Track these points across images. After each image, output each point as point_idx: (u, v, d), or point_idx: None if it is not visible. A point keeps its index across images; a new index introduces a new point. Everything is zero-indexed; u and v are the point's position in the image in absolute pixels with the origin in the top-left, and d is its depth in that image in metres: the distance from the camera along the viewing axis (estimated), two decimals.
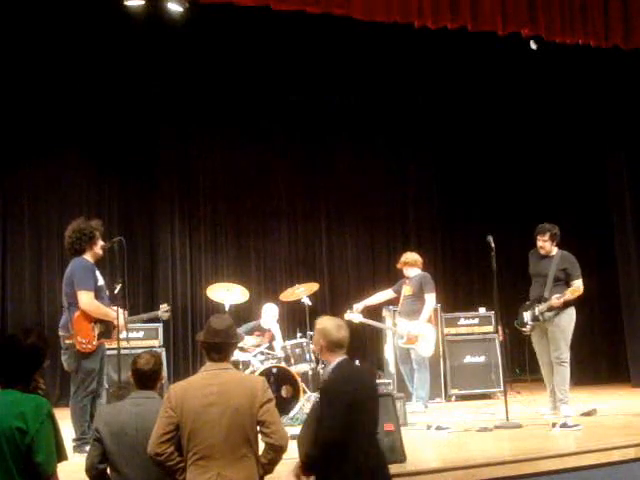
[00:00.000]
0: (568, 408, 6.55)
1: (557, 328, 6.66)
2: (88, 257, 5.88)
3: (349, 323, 7.95)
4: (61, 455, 2.95)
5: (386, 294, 8.13)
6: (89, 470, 3.79)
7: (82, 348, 5.61)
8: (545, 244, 6.85)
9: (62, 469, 2.97)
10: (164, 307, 6.78)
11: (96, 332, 5.70)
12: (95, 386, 5.67)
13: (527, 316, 6.82)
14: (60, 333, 5.76)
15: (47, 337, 3.17)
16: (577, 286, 6.75)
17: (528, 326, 6.80)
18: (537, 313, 6.67)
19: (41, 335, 3.09)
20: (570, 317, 6.74)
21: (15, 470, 2.79)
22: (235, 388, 3.54)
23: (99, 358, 5.75)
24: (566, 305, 6.68)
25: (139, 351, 4.43)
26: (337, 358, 3.89)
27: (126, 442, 3.70)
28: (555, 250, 6.87)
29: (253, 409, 3.48)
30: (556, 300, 6.60)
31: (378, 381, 7.14)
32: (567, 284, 6.76)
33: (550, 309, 6.64)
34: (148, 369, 3.87)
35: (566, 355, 6.67)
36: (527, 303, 6.91)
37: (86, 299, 5.66)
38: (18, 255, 9.56)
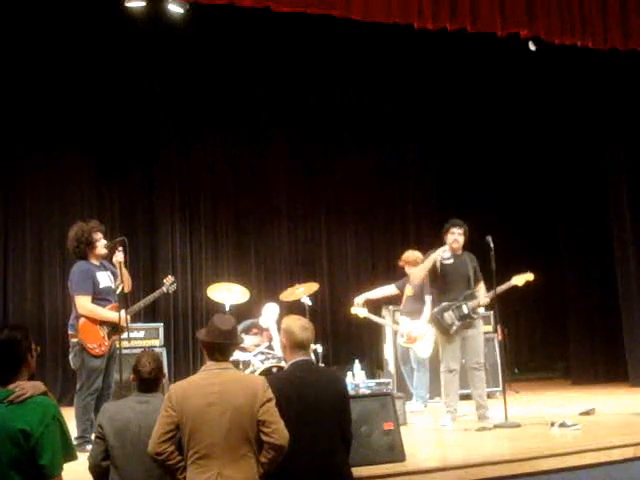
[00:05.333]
0: (492, 411, 6.44)
1: (477, 329, 6.43)
2: (91, 259, 5.90)
3: (355, 317, 7.99)
4: (70, 455, 2.94)
5: (388, 289, 8.07)
6: (92, 468, 3.80)
7: (95, 353, 5.65)
8: (460, 238, 6.43)
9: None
10: (169, 280, 6.46)
11: (105, 333, 5.72)
12: (99, 384, 5.65)
13: (452, 317, 6.24)
14: (69, 332, 5.79)
15: (23, 325, 3.18)
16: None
17: (455, 327, 6.26)
18: (467, 311, 6.22)
19: (15, 327, 3.06)
20: None
21: (18, 473, 2.77)
22: (235, 387, 3.56)
23: (105, 357, 5.74)
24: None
25: (140, 351, 4.44)
26: (296, 358, 3.92)
27: (128, 438, 3.70)
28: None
29: (253, 408, 3.49)
30: (487, 299, 6.37)
31: (377, 381, 7.18)
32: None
33: (479, 306, 6.41)
34: (148, 373, 3.84)
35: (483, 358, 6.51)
36: (445, 304, 6.34)
37: (81, 303, 5.68)
38: (19, 255, 9.57)
